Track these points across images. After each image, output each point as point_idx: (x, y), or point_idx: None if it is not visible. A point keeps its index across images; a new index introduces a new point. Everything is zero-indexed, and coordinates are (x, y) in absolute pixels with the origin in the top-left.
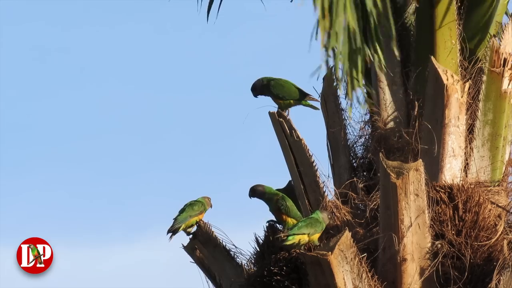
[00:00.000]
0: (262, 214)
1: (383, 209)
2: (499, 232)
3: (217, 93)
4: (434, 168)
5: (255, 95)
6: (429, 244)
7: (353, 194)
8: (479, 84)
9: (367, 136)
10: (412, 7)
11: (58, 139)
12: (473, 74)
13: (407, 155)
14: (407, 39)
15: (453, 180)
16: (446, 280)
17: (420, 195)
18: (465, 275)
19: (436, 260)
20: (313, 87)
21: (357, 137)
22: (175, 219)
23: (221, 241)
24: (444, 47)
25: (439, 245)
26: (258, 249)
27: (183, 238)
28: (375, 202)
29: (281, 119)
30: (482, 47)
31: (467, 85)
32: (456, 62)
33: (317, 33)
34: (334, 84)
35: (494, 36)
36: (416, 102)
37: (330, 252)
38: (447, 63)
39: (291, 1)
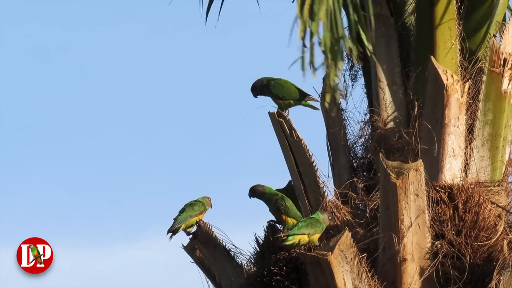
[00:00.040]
0: (262, 214)
1: (383, 209)
2: (499, 232)
3: (217, 93)
4: (434, 168)
5: (255, 95)
6: (429, 244)
7: (353, 194)
8: (479, 84)
9: (367, 136)
10: (411, 7)
11: (58, 139)
12: (473, 74)
13: (407, 155)
14: (407, 39)
15: (453, 180)
16: (446, 280)
17: (420, 195)
18: (465, 275)
19: (436, 260)
20: (313, 87)
21: (357, 137)
22: (175, 219)
23: (221, 241)
24: (444, 47)
25: (439, 245)
26: (258, 249)
27: (183, 238)
28: (375, 202)
29: (281, 119)
30: (482, 47)
31: (467, 85)
32: (456, 62)
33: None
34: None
35: (494, 36)
36: (416, 102)
37: (330, 252)
38: (447, 63)
39: (292, 1)
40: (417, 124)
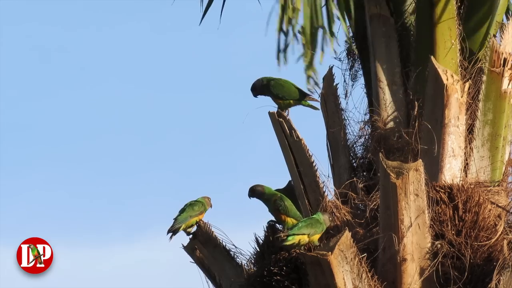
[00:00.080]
0: (262, 214)
1: (383, 209)
2: (499, 232)
3: (217, 93)
4: (434, 168)
5: (255, 95)
6: (429, 244)
7: (353, 194)
8: (479, 84)
9: (367, 136)
10: (411, 7)
11: (58, 139)
12: (473, 74)
13: (407, 155)
14: (407, 39)
15: (453, 180)
16: (446, 280)
17: (420, 195)
18: (465, 275)
19: (436, 260)
20: (313, 87)
21: (357, 137)
22: (175, 219)
23: (221, 241)
24: (444, 47)
25: (439, 245)
26: (258, 249)
27: (183, 238)
28: (375, 202)
29: (281, 119)
30: (482, 47)
31: (467, 85)
32: (456, 62)
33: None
34: (334, 84)
35: (494, 36)
36: (416, 102)
37: (330, 252)
38: (447, 63)
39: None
40: (417, 124)
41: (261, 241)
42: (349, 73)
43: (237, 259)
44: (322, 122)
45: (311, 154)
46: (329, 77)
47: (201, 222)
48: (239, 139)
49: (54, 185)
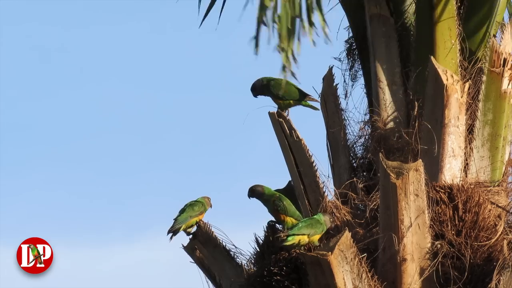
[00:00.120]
0: (262, 214)
1: (383, 209)
2: (499, 232)
3: (217, 93)
4: (434, 168)
5: (255, 95)
6: (429, 244)
7: (353, 194)
8: (479, 84)
9: (367, 136)
10: (412, 7)
11: (58, 139)
12: (473, 74)
13: (407, 155)
14: (407, 39)
15: (453, 180)
16: (446, 280)
17: (420, 195)
18: (465, 275)
19: (436, 260)
20: (313, 87)
21: (357, 137)
22: (176, 219)
23: (221, 241)
24: (444, 47)
25: (439, 245)
26: (258, 249)
27: (183, 238)
28: (375, 202)
29: (281, 119)
30: (482, 47)
31: (467, 85)
32: (456, 62)
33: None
34: (334, 84)
35: (494, 36)
36: (416, 102)
37: (330, 252)
38: (447, 63)
39: None
40: (417, 124)
41: (261, 241)
42: (349, 73)
43: (237, 259)
44: (322, 122)
45: (311, 154)
46: (329, 77)
47: (201, 222)
48: (239, 139)
49: (54, 185)
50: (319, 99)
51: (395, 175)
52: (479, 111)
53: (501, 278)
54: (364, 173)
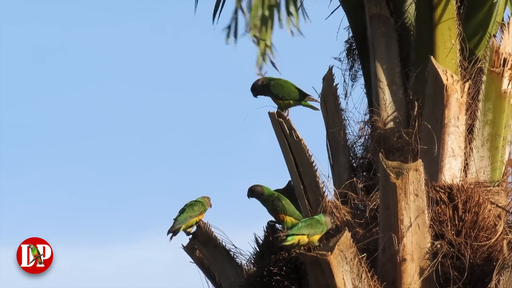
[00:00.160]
0: (262, 214)
1: (382, 209)
2: (499, 232)
3: (217, 93)
4: (433, 168)
5: (255, 95)
6: (429, 244)
7: (352, 194)
8: (479, 84)
9: (366, 136)
10: (412, 7)
11: (58, 139)
12: (473, 74)
13: (406, 155)
14: (407, 39)
15: (452, 180)
16: (446, 280)
17: (420, 195)
18: (465, 275)
19: (435, 260)
20: (313, 87)
21: (356, 137)
22: (175, 219)
23: (221, 241)
24: (444, 47)
25: (439, 245)
26: (258, 249)
27: (183, 238)
28: (374, 202)
29: (280, 119)
30: (482, 47)
31: (466, 85)
32: (456, 62)
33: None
34: (334, 84)
35: (494, 36)
36: (416, 102)
37: (329, 252)
38: (446, 63)
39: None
40: (417, 124)
41: (261, 241)
42: (349, 73)
43: (237, 259)
44: (322, 122)
45: (311, 154)
46: (329, 77)
47: (201, 222)
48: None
49: (54, 185)
50: (319, 99)
51: (395, 175)
52: (479, 111)
53: (501, 278)
54: (364, 173)
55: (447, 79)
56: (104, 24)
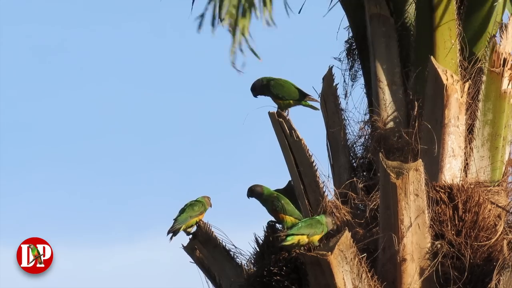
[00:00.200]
0: (262, 214)
1: (383, 209)
2: (499, 232)
3: (217, 93)
4: (434, 168)
5: (255, 95)
6: (429, 244)
7: (353, 194)
8: (478, 84)
9: (366, 136)
10: (412, 7)
11: (58, 139)
12: (473, 74)
13: (407, 155)
14: (407, 39)
15: (453, 180)
16: (446, 280)
17: (420, 195)
18: (465, 275)
19: (436, 260)
20: (313, 87)
21: (356, 137)
22: (176, 219)
23: (221, 241)
24: (444, 47)
25: (439, 245)
26: (258, 249)
27: (183, 238)
28: (375, 202)
29: (280, 119)
30: (482, 47)
31: (466, 85)
32: (455, 62)
33: None
34: (334, 84)
35: (494, 36)
36: (416, 102)
37: (329, 252)
38: (446, 63)
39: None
40: (417, 124)
41: (261, 241)
42: (349, 73)
43: (237, 259)
44: (322, 122)
45: (311, 154)
46: (329, 77)
47: (201, 222)
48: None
49: (54, 185)
50: (319, 99)
51: (395, 175)
52: (479, 111)
53: (501, 278)
54: (364, 173)
55: (447, 79)
56: (104, 24)
